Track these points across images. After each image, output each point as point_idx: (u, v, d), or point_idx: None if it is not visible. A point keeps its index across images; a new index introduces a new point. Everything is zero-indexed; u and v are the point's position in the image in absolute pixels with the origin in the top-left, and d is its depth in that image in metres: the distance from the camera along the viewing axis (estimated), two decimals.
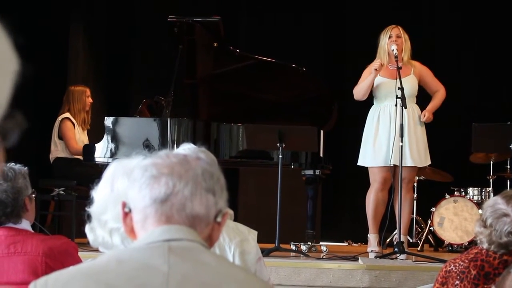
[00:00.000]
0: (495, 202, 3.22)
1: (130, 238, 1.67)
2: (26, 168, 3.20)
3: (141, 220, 1.62)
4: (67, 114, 7.66)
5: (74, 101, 7.70)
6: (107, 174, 2.12)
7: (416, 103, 6.76)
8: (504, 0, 9.30)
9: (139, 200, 1.62)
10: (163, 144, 6.94)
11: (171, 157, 1.65)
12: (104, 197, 2.10)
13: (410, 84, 6.65)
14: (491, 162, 8.10)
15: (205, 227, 1.63)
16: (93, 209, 2.12)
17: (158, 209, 1.60)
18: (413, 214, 8.06)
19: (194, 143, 3.16)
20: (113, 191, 2.09)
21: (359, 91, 6.72)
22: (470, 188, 8.14)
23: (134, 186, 1.63)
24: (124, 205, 1.66)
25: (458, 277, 3.25)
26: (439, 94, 6.83)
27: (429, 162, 6.81)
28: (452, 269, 3.29)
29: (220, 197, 1.65)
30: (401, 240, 6.47)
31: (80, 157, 7.34)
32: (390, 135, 6.54)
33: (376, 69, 6.57)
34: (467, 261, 3.27)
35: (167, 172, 1.62)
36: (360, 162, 6.77)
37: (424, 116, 6.66)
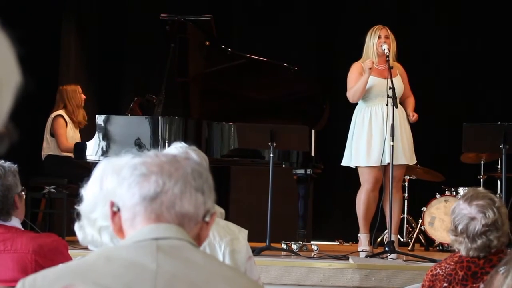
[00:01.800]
0: (459, 208, 3.24)
1: (118, 237, 1.67)
2: (16, 165, 3.20)
3: (130, 218, 1.62)
4: (61, 112, 7.65)
5: (69, 100, 7.70)
6: (96, 173, 2.12)
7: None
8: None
9: (128, 198, 1.62)
10: (154, 142, 6.94)
11: (160, 156, 1.65)
12: (93, 196, 2.10)
13: (399, 85, 6.66)
14: (482, 162, 8.12)
15: (194, 226, 1.63)
16: (82, 208, 2.12)
17: (148, 207, 1.61)
18: (404, 213, 8.07)
19: (185, 142, 3.16)
20: (102, 189, 2.09)
21: (355, 93, 6.66)
22: (461, 188, 8.15)
23: (123, 185, 1.63)
24: (112, 204, 1.66)
25: (446, 280, 3.27)
26: (413, 100, 6.84)
27: (415, 161, 6.83)
28: (438, 272, 3.30)
29: (209, 197, 1.65)
30: (392, 239, 6.48)
31: (72, 155, 7.33)
32: (382, 135, 6.54)
33: (370, 68, 6.57)
34: (452, 263, 3.29)
35: (156, 171, 1.62)
36: (352, 162, 6.74)
37: (413, 116, 6.66)
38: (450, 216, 3.29)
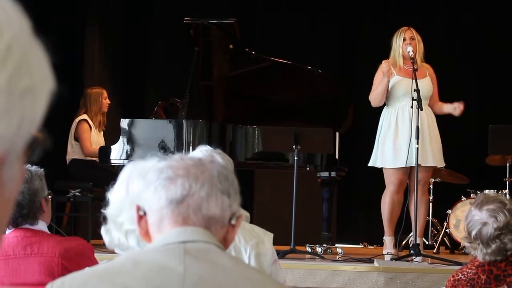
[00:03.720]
0: (471, 214, 3.26)
1: (144, 240, 1.68)
2: (42, 169, 3.21)
3: (157, 221, 1.63)
4: (84, 116, 7.68)
5: (91, 104, 7.72)
6: (122, 176, 2.12)
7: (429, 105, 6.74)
8: None
9: (155, 202, 1.62)
10: (178, 146, 6.95)
11: (186, 160, 1.66)
12: (119, 199, 2.10)
13: (427, 86, 6.64)
14: (508, 164, 8.07)
15: (220, 228, 1.64)
16: (108, 211, 2.13)
17: (175, 210, 1.61)
18: (429, 216, 8.03)
19: (210, 145, 3.16)
20: (128, 193, 2.09)
21: (375, 98, 6.69)
22: (487, 190, 8.08)
23: (149, 188, 1.63)
24: (138, 208, 1.66)
25: (469, 284, 3.27)
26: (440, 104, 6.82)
27: (444, 164, 6.80)
28: (461, 277, 3.30)
29: (235, 199, 1.66)
30: (417, 242, 6.45)
31: (96, 159, 7.36)
32: (409, 137, 6.51)
33: (387, 71, 6.56)
34: (474, 268, 3.29)
35: (183, 174, 1.62)
36: (378, 164, 6.72)
37: (458, 107, 6.63)
38: (464, 223, 3.31)
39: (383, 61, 6.67)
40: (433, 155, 6.59)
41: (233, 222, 1.65)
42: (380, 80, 6.67)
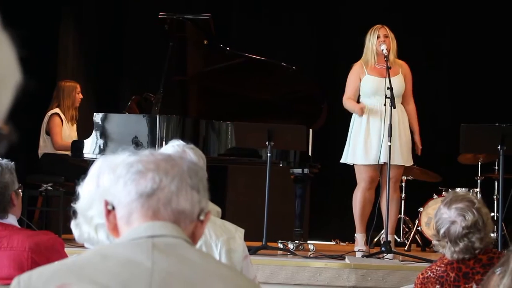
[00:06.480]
0: (440, 212, 3.28)
1: (112, 235, 1.67)
2: (13, 163, 3.20)
3: (125, 215, 1.62)
4: (57, 110, 7.64)
5: (64, 97, 7.68)
6: (93, 170, 2.12)
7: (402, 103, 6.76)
8: (497, 1, 9.33)
9: (124, 196, 1.62)
10: (152, 141, 6.93)
11: (156, 155, 1.66)
12: (89, 193, 2.10)
13: (399, 84, 6.66)
14: (479, 163, 8.12)
15: (189, 224, 1.64)
16: (78, 205, 2.12)
17: (144, 203, 1.61)
18: (400, 214, 8.07)
19: (183, 140, 3.15)
20: (99, 187, 2.09)
21: (347, 108, 6.75)
22: (458, 189, 8.14)
23: (119, 182, 1.63)
24: (106, 203, 1.66)
25: (438, 282, 3.29)
26: (414, 112, 6.81)
27: (411, 163, 6.82)
28: (430, 275, 3.32)
29: (204, 195, 1.66)
30: (388, 239, 6.48)
31: (69, 153, 7.33)
32: (380, 134, 6.53)
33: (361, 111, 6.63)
34: (443, 265, 3.31)
35: (153, 168, 1.63)
36: (349, 160, 6.73)
37: (418, 149, 6.76)
38: (434, 221, 3.33)
39: (360, 106, 6.68)
40: (401, 154, 6.61)
41: (201, 217, 1.66)
42: (353, 81, 6.70)
